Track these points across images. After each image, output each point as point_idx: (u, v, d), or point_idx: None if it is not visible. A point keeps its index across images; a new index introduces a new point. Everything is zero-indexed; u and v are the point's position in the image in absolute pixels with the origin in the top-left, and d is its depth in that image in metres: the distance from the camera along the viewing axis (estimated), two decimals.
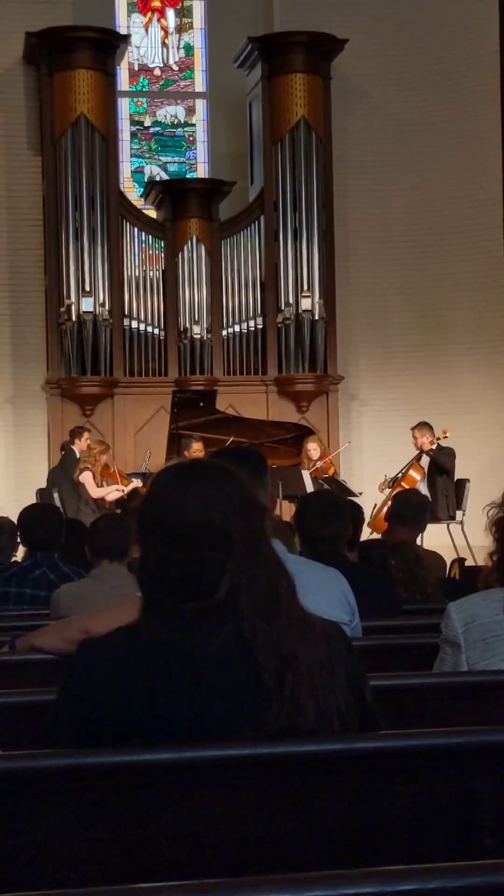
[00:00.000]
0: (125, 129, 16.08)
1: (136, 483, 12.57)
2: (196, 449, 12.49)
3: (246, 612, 2.19)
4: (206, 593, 2.21)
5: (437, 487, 12.63)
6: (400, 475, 12.77)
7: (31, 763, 2.14)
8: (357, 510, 6.39)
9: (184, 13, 16.39)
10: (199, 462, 2.42)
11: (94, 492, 12.44)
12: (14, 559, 6.41)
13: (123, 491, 12.45)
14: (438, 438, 12.83)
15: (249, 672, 2.17)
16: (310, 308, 14.67)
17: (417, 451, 12.91)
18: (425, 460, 12.85)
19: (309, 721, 2.18)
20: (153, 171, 16.30)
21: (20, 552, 6.55)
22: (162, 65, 16.39)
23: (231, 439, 12.68)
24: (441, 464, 12.75)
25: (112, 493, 12.47)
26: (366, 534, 9.46)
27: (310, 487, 12.16)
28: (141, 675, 2.16)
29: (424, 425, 12.97)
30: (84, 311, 14.15)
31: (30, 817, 2.10)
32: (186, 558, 2.22)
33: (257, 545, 2.26)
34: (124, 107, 16.09)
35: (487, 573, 3.31)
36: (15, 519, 6.15)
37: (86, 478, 12.46)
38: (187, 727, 2.14)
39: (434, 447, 12.78)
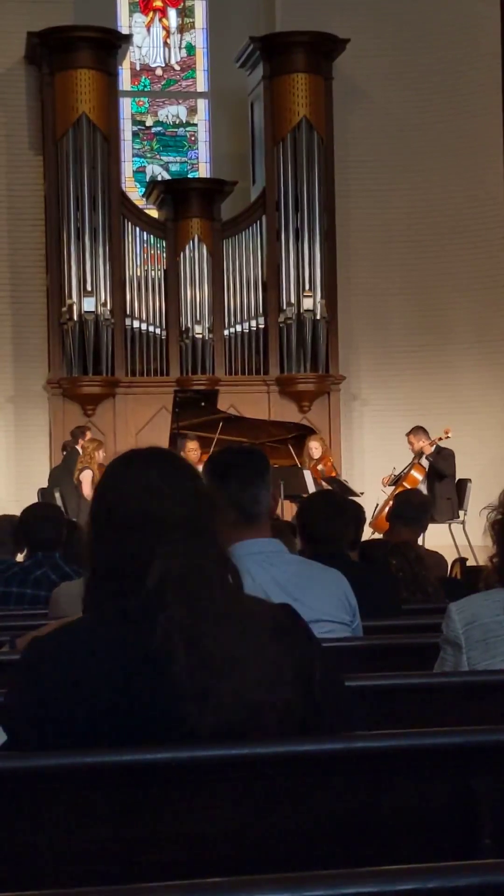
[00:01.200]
0: (127, 128, 16.09)
1: None
2: (191, 448, 12.43)
3: (171, 602, 2.12)
4: (136, 579, 2.15)
5: (435, 492, 12.60)
6: (402, 474, 12.77)
7: (31, 763, 2.14)
8: (358, 510, 6.39)
9: (185, 13, 16.40)
10: (149, 450, 2.35)
11: (89, 492, 12.38)
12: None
13: None
14: (439, 439, 12.81)
15: (170, 665, 2.10)
16: (311, 308, 14.68)
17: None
18: (426, 460, 12.85)
19: (231, 716, 2.11)
20: (155, 170, 16.31)
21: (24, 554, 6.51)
22: (163, 64, 16.40)
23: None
24: (439, 469, 12.74)
25: None
26: (367, 533, 9.45)
27: (311, 487, 12.15)
28: (81, 668, 2.13)
29: (418, 429, 12.95)
30: (85, 311, 14.15)
31: (30, 817, 2.10)
32: (116, 541, 2.19)
33: (197, 536, 2.19)
34: (126, 106, 16.10)
35: (488, 574, 3.31)
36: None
37: (85, 477, 12.45)
38: (118, 721, 2.11)
39: (433, 449, 12.76)
